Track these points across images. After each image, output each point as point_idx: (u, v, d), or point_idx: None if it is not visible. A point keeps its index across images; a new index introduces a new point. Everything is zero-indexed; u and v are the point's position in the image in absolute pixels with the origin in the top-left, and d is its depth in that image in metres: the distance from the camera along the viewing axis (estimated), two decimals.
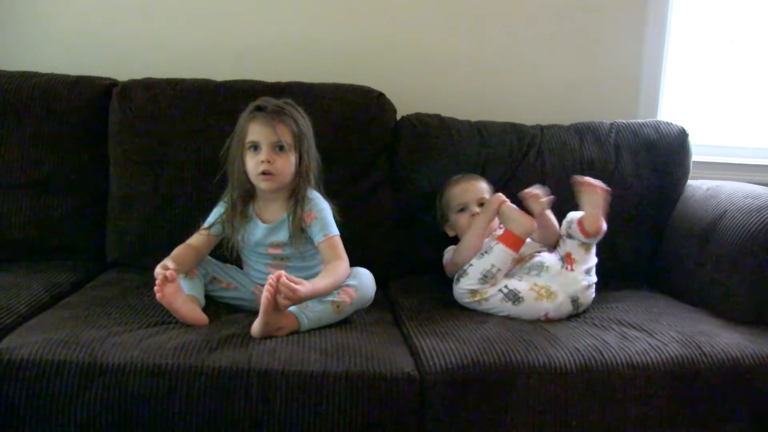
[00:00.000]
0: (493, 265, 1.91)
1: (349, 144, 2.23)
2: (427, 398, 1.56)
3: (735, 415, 1.69)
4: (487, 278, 1.90)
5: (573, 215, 1.96)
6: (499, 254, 1.92)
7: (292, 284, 1.61)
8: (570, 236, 1.96)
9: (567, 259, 1.95)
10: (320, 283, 1.73)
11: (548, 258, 1.97)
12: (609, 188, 1.94)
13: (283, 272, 1.64)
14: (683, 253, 2.16)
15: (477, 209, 2.11)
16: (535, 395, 1.59)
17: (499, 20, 2.59)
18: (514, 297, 1.88)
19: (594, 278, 1.97)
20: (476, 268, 1.92)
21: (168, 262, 1.72)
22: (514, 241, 1.93)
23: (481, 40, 2.59)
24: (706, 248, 2.06)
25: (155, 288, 1.67)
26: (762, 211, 1.95)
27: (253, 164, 1.83)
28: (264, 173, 1.82)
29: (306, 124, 1.89)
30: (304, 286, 1.64)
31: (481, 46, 2.59)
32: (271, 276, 1.63)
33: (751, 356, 1.69)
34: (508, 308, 1.88)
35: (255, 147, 1.83)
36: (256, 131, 1.83)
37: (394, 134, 2.30)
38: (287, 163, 1.83)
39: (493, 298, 1.89)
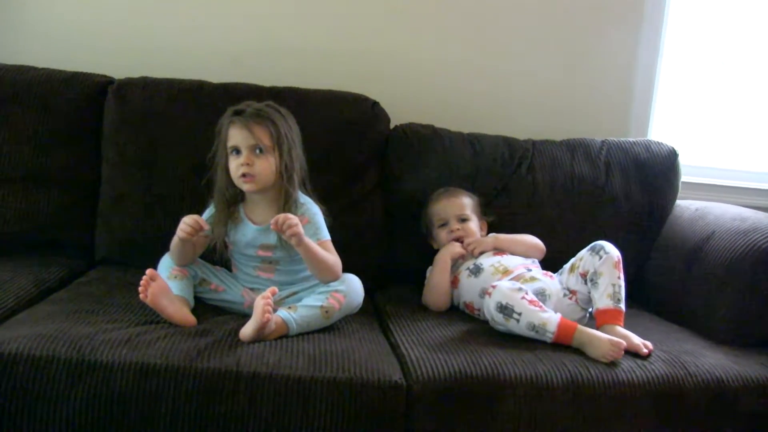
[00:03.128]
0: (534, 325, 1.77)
1: (342, 151, 2.23)
2: (413, 407, 1.56)
3: None
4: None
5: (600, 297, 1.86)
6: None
7: (292, 220, 1.72)
8: (586, 283, 1.91)
9: (572, 291, 1.96)
10: (314, 244, 1.79)
11: (549, 284, 1.96)
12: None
13: (276, 289, 1.70)
14: (670, 273, 2.18)
15: (457, 226, 2.13)
16: (521, 409, 1.59)
17: (494, 35, 2.61)
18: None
19: (589, 308, 1.96)
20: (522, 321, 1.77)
21: (199, 219, 1.77)
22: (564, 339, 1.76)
23: (477, 53, 2.61)
24: (693, 268, 2.08)
25: (140, 288, 1.67)
26: (749, 233, 1.97)
27: (234, 167, 1.85)
28: (244, 175, 1.83)
29: (287, 125, 1.89)
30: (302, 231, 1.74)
31: (476, 59, 2.61)
32: (267, 296, 1.64)
33: (735, 377, 1.71)
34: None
35: (236, 151, 1.85)
36: (235, 135, 1.84)
37: (387, 143, 2.31)
38: (267, 165, 1.84)
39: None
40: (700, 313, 2.01)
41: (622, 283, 1.88)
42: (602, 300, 1.84)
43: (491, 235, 2.17)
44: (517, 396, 1.59)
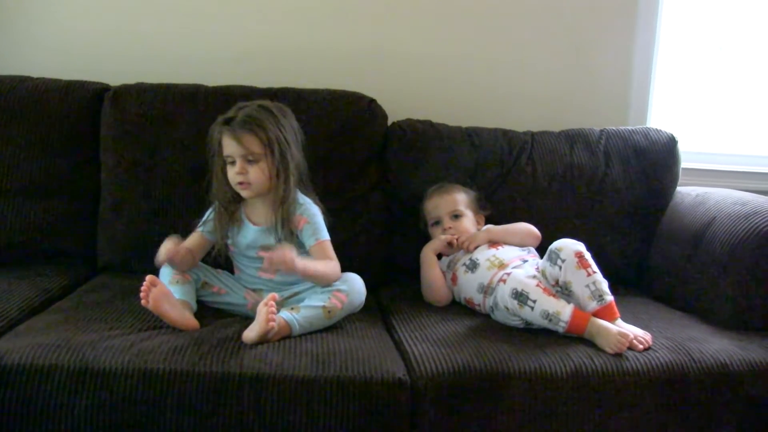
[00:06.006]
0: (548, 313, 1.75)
1: (341, 149, 2.23)
2: (418, 403, 1.56)
3: (724, 421, 1.70)
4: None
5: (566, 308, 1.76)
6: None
7: (287, 259, 1.69)
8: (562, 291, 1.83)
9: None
10: (312, 265, 1.79)
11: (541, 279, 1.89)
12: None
13: (276, 295, 1.69)
14: (672, 259, 2.17)
15: (450, 224, 2.13)
16: (526, 401, 1.60)
17: (490, 28, 2.60)
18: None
19: None
20: (537, 309, 1.75)
21: (171, 241, 1.77)
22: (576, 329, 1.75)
23: (472, 46, 2.60)
24: (695, 254, 2.07)
25: (141, 294, 1.67)
26: (750, 217, 1.96)
27: (231, 176, 1.87)
28: (240, 183, 1.85)
29: (280, 127, 1.86)
30: (298, 261, 1.71)
31: (472, 52, 2.60)
32: (270, 303, 1.64)
33: (740, 362, 1.70)
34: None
35: (232, 159, 1.86)
36: (227, 145, 1.85)
37: (386, 140, 2.31)
38: (259, 172, 1.84)
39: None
40: (704, 299, 2.00)
41: (597, 276, 1.80)
42: (587, 304, 1.78)
43: (485, 228, 2.16)
44: (522, 388, 1.59)
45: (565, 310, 1.74)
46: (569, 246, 1.82)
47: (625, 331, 1.72)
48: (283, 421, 1.50)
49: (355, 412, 1.52)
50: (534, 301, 1.75)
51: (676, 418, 1.67)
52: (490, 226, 2.17)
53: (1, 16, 2.46)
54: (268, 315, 1.63)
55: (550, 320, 1.74)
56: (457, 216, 2.14)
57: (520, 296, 1.76)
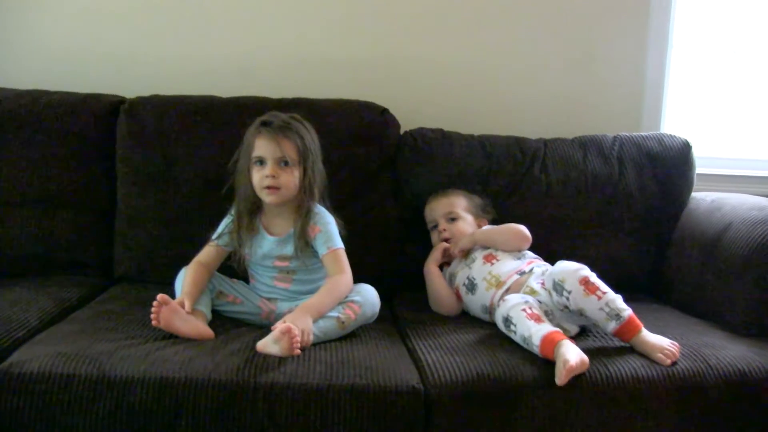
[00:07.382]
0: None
1: (354, 159, 2.24)
2: (432, 412, 1.56)
3: (742, 430, 1.68)
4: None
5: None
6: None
7: (300, 338, 1.63)
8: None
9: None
10: (314, 301, 1.76)
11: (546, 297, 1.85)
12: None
13: (291, 326, 1.62)
14: (688, 265, 2.16)
15: (445, 226, 2.13)
16: (541, 410, 1.59)
17: (502, 36, 2.61)
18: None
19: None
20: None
21: (186, 302, 1.75)
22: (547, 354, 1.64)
23: (484, 55, 2.61)
24: (711, 260, 2.05)
25: (151, 316, 1.68)
26: (767, 222, 1.95)
27: (258, 178, 1.87)
28: (268, 187, 1.85)
29: (311, 140, 1.91)
30: (306, 327, 1.67)
31: (484, 61, 2.61)
32: (293, 334, 1.61)
33: (758, 369, 1.69)
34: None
35: (261, 161, 1.86)
36: (261, 146, 1.86)
37: (398, 149, 2.32)
38: (291, 178, 1.86)
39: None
40: (720, 305, 1.99)
41: (608, 296, 1.72)
42: (606, 326, 1.72)
43: (480, 229, 2.13)
44: (536, 396, 1.59)
45: (537, 333, 1.65)
46: (571, 275, 1.75)
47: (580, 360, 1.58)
48: (297, 429, 1.51)
49: (369, 421, 1.52)
50: (515, 326, 1.71)
51: (693, 427, 1.65)
52: (479, 228, 2.14)
53: (17, 31, 2.50)
54: (293, 345, 1.60)
55: (527, 344, 1.68)
56: (453, 219, 2.13)
57: (506, 322, 1.75)
